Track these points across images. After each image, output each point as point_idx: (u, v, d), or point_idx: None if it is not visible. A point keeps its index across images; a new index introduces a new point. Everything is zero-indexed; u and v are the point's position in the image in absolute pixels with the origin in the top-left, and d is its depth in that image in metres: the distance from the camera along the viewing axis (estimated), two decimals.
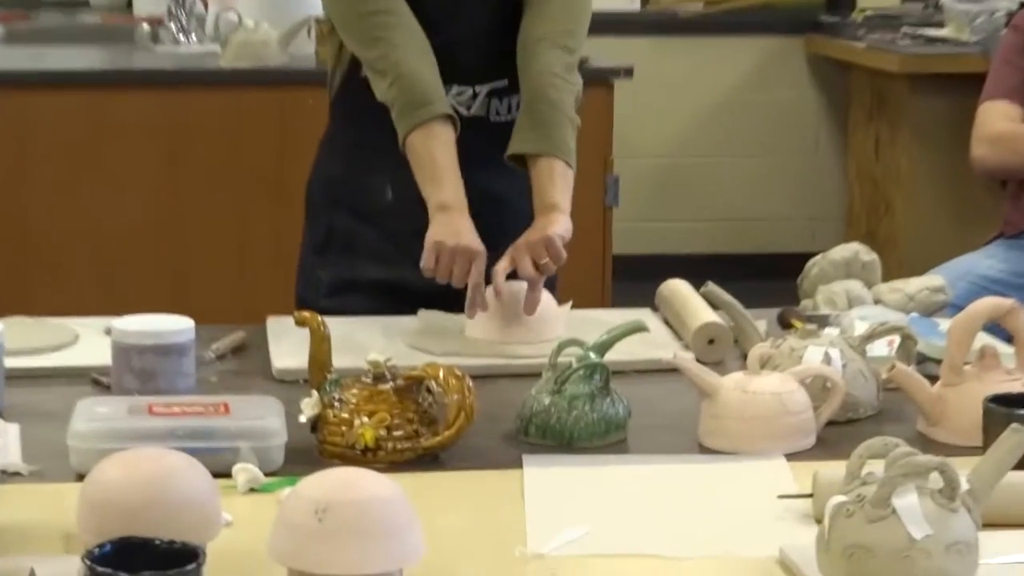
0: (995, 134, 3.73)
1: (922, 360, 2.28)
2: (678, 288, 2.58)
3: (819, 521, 1.62)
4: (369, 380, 1.99)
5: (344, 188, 2.71)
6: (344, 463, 1.89)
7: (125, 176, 4.29)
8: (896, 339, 2.25)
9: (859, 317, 2.42)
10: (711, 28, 6.47)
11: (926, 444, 2.01)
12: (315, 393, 2.01)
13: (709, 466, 1.98)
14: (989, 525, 1.63)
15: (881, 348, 2.27)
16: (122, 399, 2.03)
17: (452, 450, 1.98)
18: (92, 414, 1.94)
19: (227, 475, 1.85)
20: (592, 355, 2.08)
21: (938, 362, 2.17)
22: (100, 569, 1.42)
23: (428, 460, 1.97)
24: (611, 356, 2.12)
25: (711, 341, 2.40)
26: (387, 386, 1.98)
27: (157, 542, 1.48)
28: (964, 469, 1.61)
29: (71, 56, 4.73)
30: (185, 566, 1.43)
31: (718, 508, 1.84)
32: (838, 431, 2.07)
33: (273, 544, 1.52)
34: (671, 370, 2.10)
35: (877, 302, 2.57)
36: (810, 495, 1.78)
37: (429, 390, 2.00)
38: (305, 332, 2.06)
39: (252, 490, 1.86)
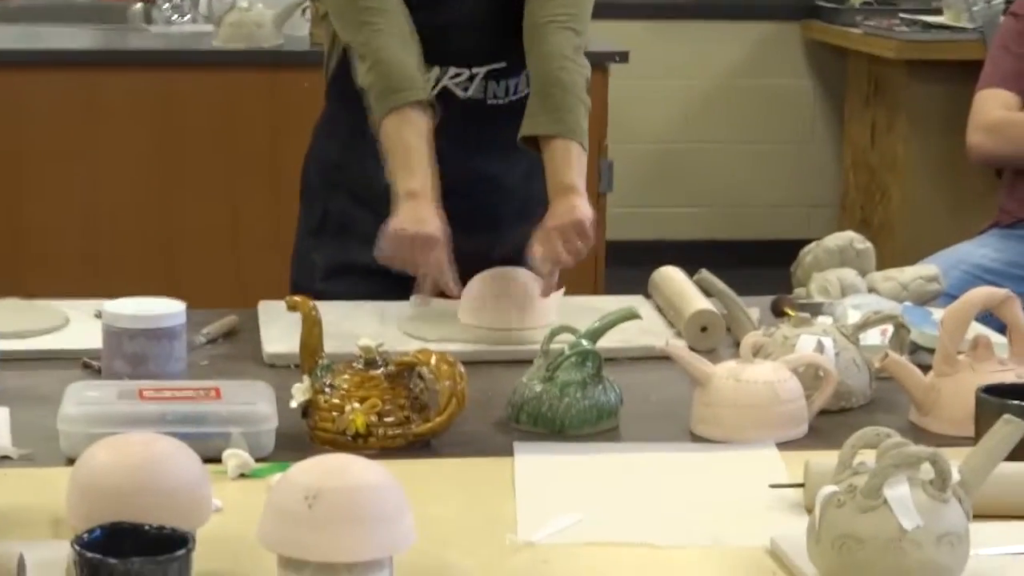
0: (992, 122, 3.72)
1: (915, 349, 2.27)
2: (671, 275, 2.57)
3: (810, 511, 1.61)
4: (360, 366, 1.99)
5: (340, 172, 2.70)
6: (335, 449, 1.89)
7: (117, 157, 4.29)
8: (889, 328, 2.24)
9: (852, 306, 2.42)
10: (707, 13, 6.46)
11: (918, 434, 2.01)
12: (306, 378, 2.00)
13: (701, 455, 1.98)
14: (980, 516, 1.62)
15: (874, 337, 2.26)
16: (113, 383, 2.03)
17: (443, 437, 1.97)
18: (82, 398, 1.94)
19: (217, 460, 1.84)
20: (584, 342, 2.08)
21: (931, 352, 2.17)
22: (89, 554, 1.42)
23: (419, 446, 1.96)
24: (603, 343, 2.11)
25: (704, 329, 2.39)
26: (378, 372, 1.98)
27: (147, 527, 1.48)
28: (956, 459, 1.60)
29: (63, 36, 4.72)
30: (175, 552, 1.43)
31: (709, 497, 1.84)
32: (830, 420, 2.07)
33: (263, 530, 1.51)
34: (664, 358, 2.10)
35: (871, 290, 2.57)
36: (801, 484, 1.78)
37: (421, 376, 1.99)
38: (297, 317, 2.06)
39: (242, 476, 1.85)
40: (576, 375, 2.05)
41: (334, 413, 1.96)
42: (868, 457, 1.58)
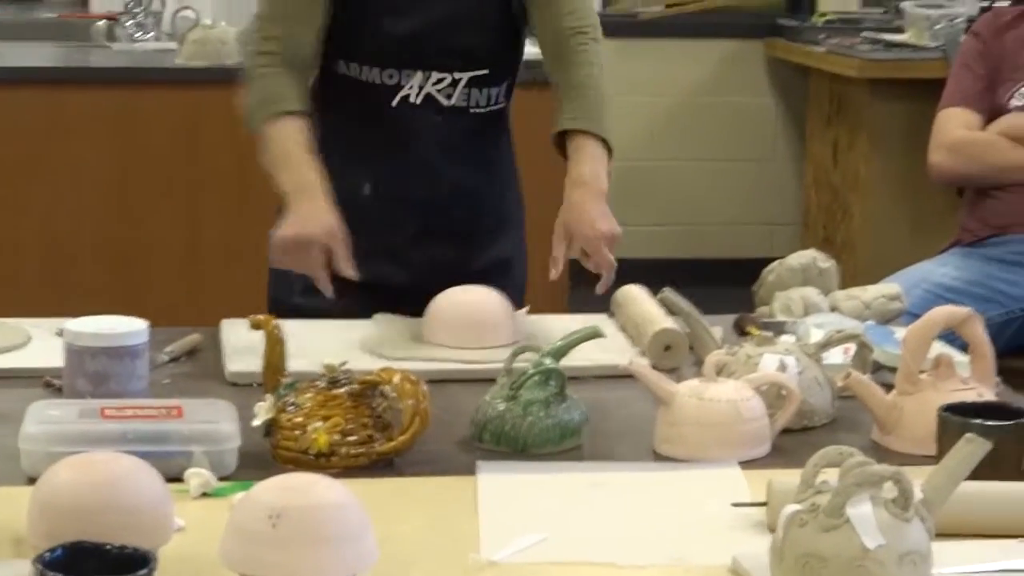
0: (953, 141, 3.74)
1: (877, 368, 2.28)
2: (634, 294, 2.57)
3: (773, 530, 1.62)
4: (324, 384, 1.98)
5: None
6: (298, 468, 1.88)
7: (80, 175, 4.27)
8: (852, 347, 2.25)
9: (815, 324, 2.42)
10: (671, 31, 6.47)
11: (881, 453, 2.02)
12: (269, 397, 2.00)
13: (664, 473, 1.98)
14: (943, 535, 1.63)
15: (837, 356, 2.27)
16: (74, 402, 2.02)
17: (406, 456, 1.97)
18: (44, 417, 1.93)
19: (179, 479, 1.84)
20: (548, 361, 2.08)
21: (893, 370, 2.17)
22: (51, 573, 1.41)
23: (382, 465, 1.96)
24: (567, 362, 2.11)
25: (667, 347, 2.40)
26: (342, 391, 1.97)
27: (108, 547, 1.47)
28: (918, 478, 1.61)
29: (25, 53, 4.70)
30: (137, 571, 1.43)
31: (672, 516, 1.84)
32: (793, 439, 2.07)
33: (225, 549, 1.51)
34: (627, 376, 2.10)
35: (833, 309, 2.58)
36: (764, 503, 1.78)
37: (384, 395, 1.99)
38: (259, 335, 2.05)
39: (205, 495, 1.85)
40: (539, 394, 2.04)
41: (297, 432, 1.95)
42: (831, 476, 1.58)
